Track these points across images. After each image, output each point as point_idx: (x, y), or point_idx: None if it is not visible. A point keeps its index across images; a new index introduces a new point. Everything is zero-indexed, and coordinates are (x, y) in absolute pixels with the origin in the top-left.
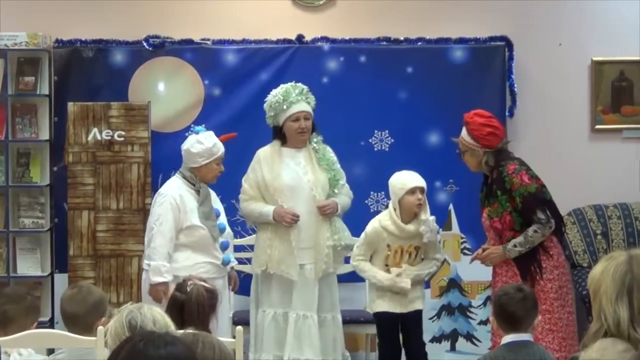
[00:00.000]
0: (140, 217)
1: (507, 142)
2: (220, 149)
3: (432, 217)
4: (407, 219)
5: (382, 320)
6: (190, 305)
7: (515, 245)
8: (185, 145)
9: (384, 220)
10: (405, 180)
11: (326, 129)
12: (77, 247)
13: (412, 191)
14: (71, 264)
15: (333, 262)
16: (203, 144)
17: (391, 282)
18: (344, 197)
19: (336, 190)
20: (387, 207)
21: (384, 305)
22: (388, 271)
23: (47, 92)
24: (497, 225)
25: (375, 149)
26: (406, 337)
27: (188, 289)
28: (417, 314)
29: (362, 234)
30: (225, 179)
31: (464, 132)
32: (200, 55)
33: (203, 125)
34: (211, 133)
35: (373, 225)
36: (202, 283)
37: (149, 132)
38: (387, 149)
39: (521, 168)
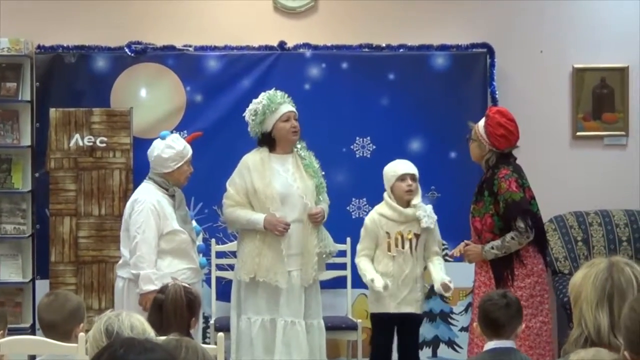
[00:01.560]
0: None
1: (516, 147)
2: (190, 150)
3: (429, 206)
4: (402, 205)
5: (377, 322)
6: (167, 306)
7: (492, 248)
8: (154, 152)
9: (379, 209)
10: (396, 167)
11: (308, 135)
12: (59, 253)
13: (402, 178)
14: (53, 270)
15: (318, 268)
16: (173, 147)
17: (368, 284)
18: (325, 204)
19: (321, 197)
20: (368, 213)
21: (381, 306)
22: (392, 261)
23: (28, 98)
24: (477, 225)
25: (357, 156)
26: (400, 342)
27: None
28: (415, 318)
29: (362, 229)
30: (207, 186)
31: (481, 122)
32: (182, 61)
33: (170, 131)
34: (178, 136)
35: (369, 215)
36: (184, 284)
37: (131, 138)
38: (368, 156)
39: (512, 175)
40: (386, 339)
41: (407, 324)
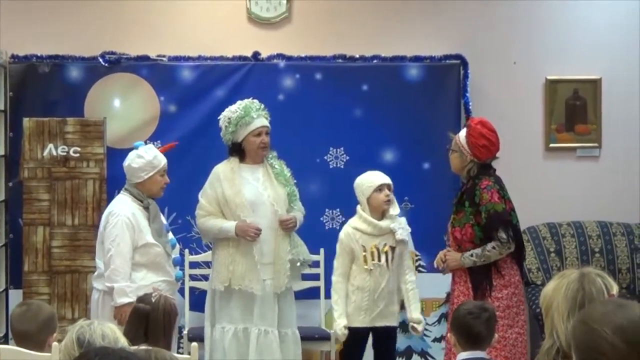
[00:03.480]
0: (96, 233)
1: (496, 158)
2: (162, 160)
3: (403, 218)
4: (377, 217)
5: (352, 335)
6: (156, 315)
7: (471, 255)
8: (126, 162)
9: (354, 222)
10: (372, 178)
11: (282, 145)
12: (32, 262)
13: (380, 188)
14: (26, 279)
15: (291, 277)
16: (143, 157)
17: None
18: (299, 212)
19: (293, 206)
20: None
21: (357, 320)
22: (369, 275)
23: (2, 108)
24: (457, 235)
25: (331, 166)
26: (377, 356)
27: (153, 300)
28: (391, 331)
29: (337, 245)
30: (181, 196)
31: (462, 133)
32: (156, 71)
33: (144, 141)
34: (151, 146)
35: (344, 230)
36: (166, 295)
37: (104, 148)
38: (342, 166)
39: (494, 186)
40: (358, 353)
41: (384, 337)
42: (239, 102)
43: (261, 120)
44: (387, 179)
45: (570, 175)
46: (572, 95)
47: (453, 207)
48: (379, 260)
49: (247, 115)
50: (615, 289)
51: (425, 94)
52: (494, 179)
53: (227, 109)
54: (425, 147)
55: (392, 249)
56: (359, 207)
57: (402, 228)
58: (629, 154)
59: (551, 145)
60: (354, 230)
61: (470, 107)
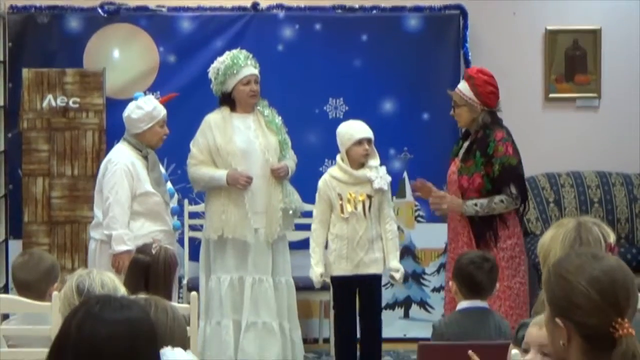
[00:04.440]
0: (95, 183)
1: (500, 110)
2: (162, 111)
3: (383, 167)
4: (355, 168)
5: (338, 284)
6: (157, 267)
7: (475, 204)
8: (125, 113)
9: (332, 171)
10: (352, 131)
11: (281, 96)
12: (32, 213)
13: (360, 142)
14: (26, 230)
15: (284, 225)
16: (143, 108)
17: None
18: (291, 161)
19: (285, 154)
20: None
21: (339, 268)
22: (346, 223)
23: (1, 58)
24: (464, 183)
25: (330, 117)
26: (362, 305)
27: (154, 252)
28: (375, 279)
29: (316, 193)
30: (178, 146)
31: (463, 86)
32: (155, 22)
33: (143, 92)
34: (150, 97)
35: (322, 178)
36: (166, 246)
37: (103, 98)
38: (341, 117)
39: (508, 138)
40: (347, 302)
41: (367, 285)
42: (226, 52)
43: (249, 69)
44: (367, 133)
45: (570, 125)
46: (571, 46)
47: (452, 154)
48: (355, 208)
49: (235, 64)
50: (612, 238)
51: (424, 44)
52: (505, 131)
53: (215, 61)
54: (424, 98)
55: (370, 197)
56: (338, 156)
57: (380, 177)
58: (628, 104)
59: (551, 95)
60: (332, 178)
61: (469, 58)
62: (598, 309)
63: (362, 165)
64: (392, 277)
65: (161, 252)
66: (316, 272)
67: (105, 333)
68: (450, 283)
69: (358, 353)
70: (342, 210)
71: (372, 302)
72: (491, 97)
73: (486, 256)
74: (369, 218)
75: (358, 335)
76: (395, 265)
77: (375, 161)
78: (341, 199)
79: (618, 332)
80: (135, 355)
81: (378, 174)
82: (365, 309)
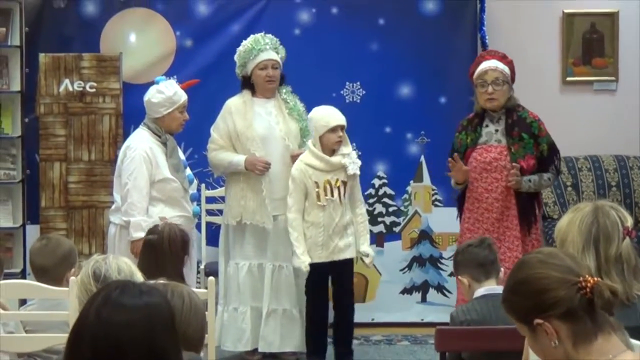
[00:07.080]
0: (112, 168)
1: None
2: (182, 96)
3: (354, 152)
4: (327, 154)
5: (312, 271)
6: (161, 244)
7: (529, 180)
8: (146, 97)
9: (305, 159)
10: (328, 118)
11: (298, 80)
12: (49, 198)
13: (334, 129)
14: (43, 215)
15: None
16: (163, 93)
17: (294, 252)
18: None
19: (306, 141)
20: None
21: (314, 256)
22: (322, 210)
23: (18, 43)
24: (524, 165)
25: (347, 101)
26: (335, 288)
27: (160, 229)
28: (348, 263)
29: (289, 182)
30: (196, 131)
31: (500, 64)
32: (172, 6)
33: (164, 76)
34: (172, 82)
35: (296, 166)
36: (175, 223)
37: (120, 83)
38: (358, 101)
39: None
40: (321, 288)
41: (340, 269)
42: (251, 35)
43: (268, 53)
44: (341, 120)
45: (587, 109)
46: (589, 29)
47: (470, 144)
48: (332, 195)
49: (254, 48)
50: (629, 221)
51: (441, 27)
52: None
53: (242, 44)
54: (441, 81)
55: (344, 183)
56: (309, 143)
57: (353, 162)
58: None
59: (568, 79)
60: (307, 166)
61: (486, 41)
62: (560, 281)
63: (333, 151)
64: (362, 261)
65: (165, 228)
66: (304, 261)
67: (124, 319)
68: (463, 279)
69: (330, 340)
70: (318, 198)
71: (346, 285)
72: (514, 77)
73: (480, 237)
74: (343, 204)
75: (330, 320)
76: (366, 250)
77: (347, 149)
78: (317, 187)
79: (586, 289)
80: (153, 341)
81: (351, 159)
82: (339, 292)
